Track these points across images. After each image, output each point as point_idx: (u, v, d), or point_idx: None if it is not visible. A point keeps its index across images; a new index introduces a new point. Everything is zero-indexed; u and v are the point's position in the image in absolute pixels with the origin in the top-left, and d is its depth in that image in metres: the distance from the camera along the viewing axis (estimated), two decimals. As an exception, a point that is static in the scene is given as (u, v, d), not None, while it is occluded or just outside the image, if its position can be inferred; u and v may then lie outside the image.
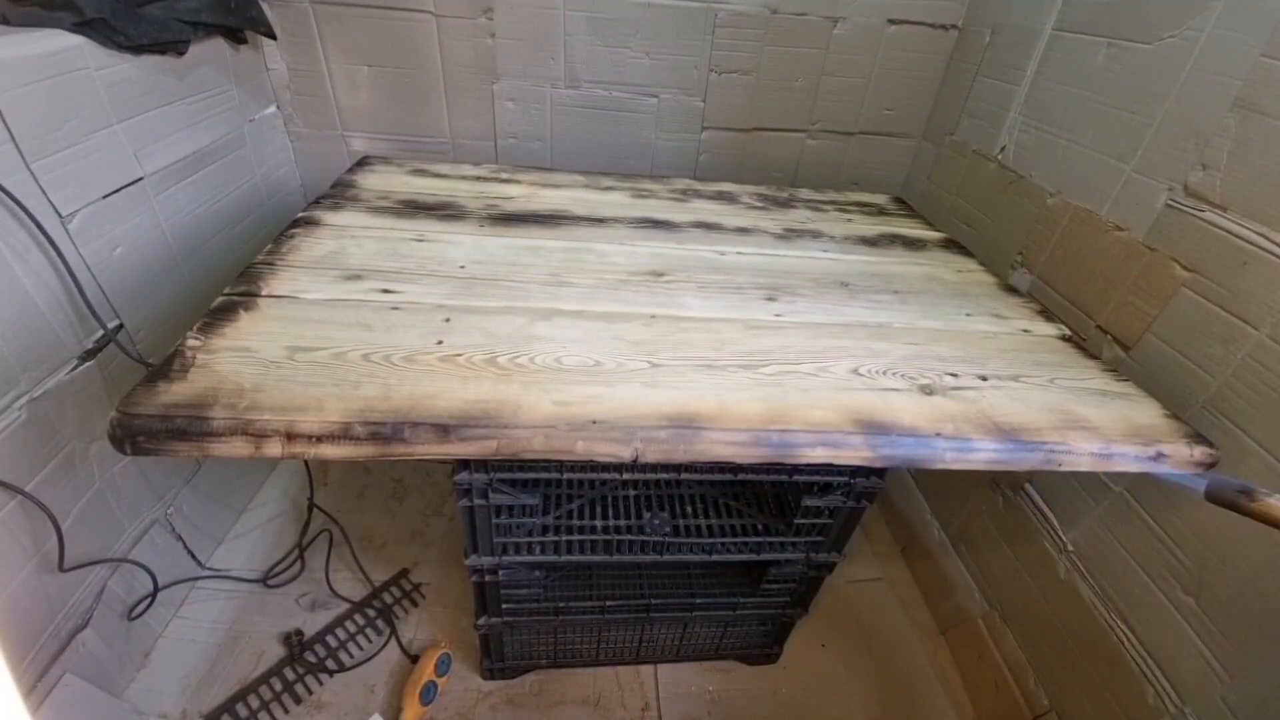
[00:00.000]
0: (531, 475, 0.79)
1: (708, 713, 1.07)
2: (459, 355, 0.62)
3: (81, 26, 0.82)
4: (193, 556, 1.16)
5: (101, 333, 0.88)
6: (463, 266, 0.79)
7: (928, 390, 0.66)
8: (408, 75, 1.30)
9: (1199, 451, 0.64)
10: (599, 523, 0.86)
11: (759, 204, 1.13)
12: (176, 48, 0.96)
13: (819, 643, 1.19)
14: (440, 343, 0.64)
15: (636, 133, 1.37)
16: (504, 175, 1.10)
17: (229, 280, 0.70)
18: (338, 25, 1.24)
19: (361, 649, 1.10)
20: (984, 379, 0.70)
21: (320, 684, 1.04)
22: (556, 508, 0.87)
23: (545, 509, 0.86)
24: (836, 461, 0.60)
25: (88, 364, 0.87)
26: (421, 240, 0.85)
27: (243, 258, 1.02)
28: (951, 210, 1.30)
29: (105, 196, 0.88)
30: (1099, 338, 0.92)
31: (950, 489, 1.25)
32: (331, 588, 1.18)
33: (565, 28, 1.24)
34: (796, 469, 0.80)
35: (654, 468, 0.85)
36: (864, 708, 1.10)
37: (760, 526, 0.91)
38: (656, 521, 0.89)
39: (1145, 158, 0.87)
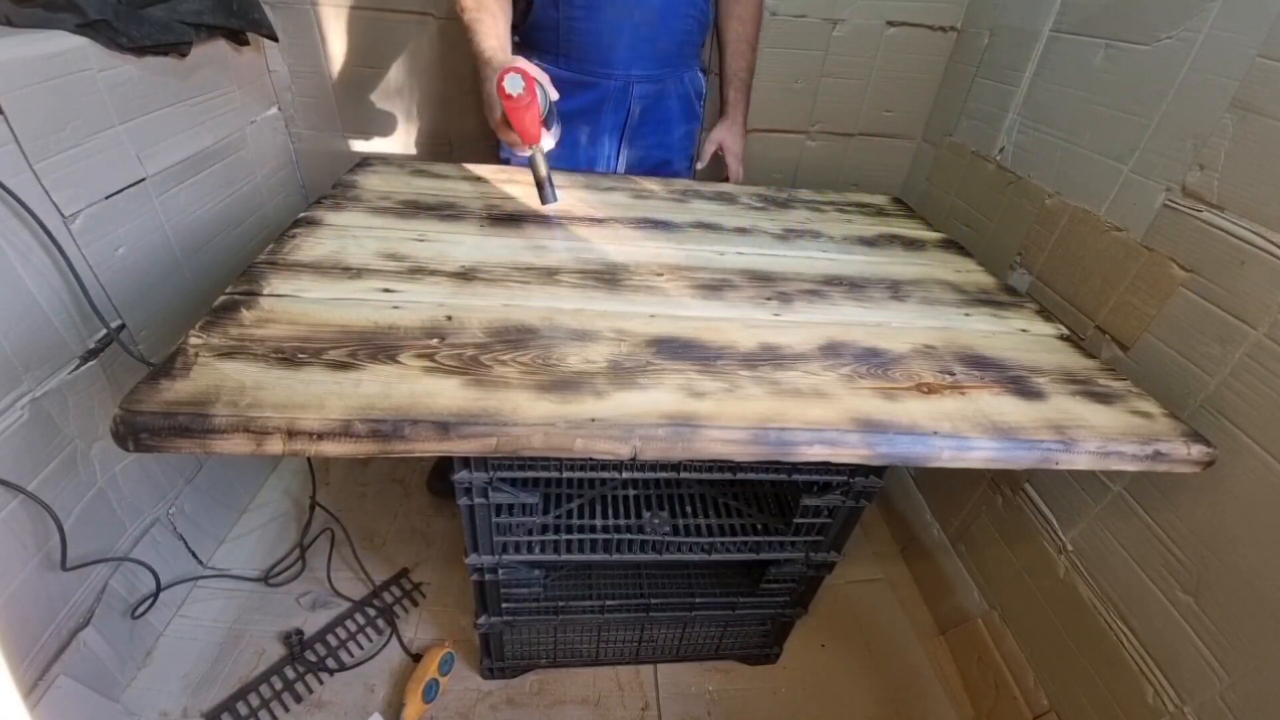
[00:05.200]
0: (531, 474, 0.80)
1: (707, 712, 1.07)
2: (459, 353, 0.63)
3: (84, 28, 0.83)
4: (194, 556, 1.16)
5: (104, 332, 0.89)
6: (463, 266, 0.79)
7: (925, 389, 0.67)
8: (409, 77, 1.31)
9: (1196, 450, 0.64)
10: (599, 522, 0.86)
11: (758, 204, 1.13)
12: (179, 49, 0.97)
13: (819, 643, 1.19)
14: (441, 341, 0.64)
15: (636, 134, 1.37)
16: (504, 175, 1.11)
17: (231, 280, 0.71)
18: (339, 27, 1.25)
19: (362, 648, 1.10)
20: (981, 378, 0.70)
21: (320, 683, 1.05)
22: (556, 507, 0.88)
23: (545, 508, 0.86)
24: (834, 460, 0.60)
25: (90, 364, 0.87)
26: (422, 240, 0.85)
27: (244, 258, 1.03)
28: (950, 211, 1.31)
29: (108, 197, 0.88)
30: (1097, 337, 0.92)
31: (950, 489, 1.26)
32: (332, 587, 1.19)
33: (565, 29, 1.24)
34: (795, 468, 0.81)
35: (654, 467, 0.85)
36: (864, 708, 1.11)
37: (760, 526, 0.91)
38: (656, 521, 0.89)
39: (1143, 158, 0.87)
